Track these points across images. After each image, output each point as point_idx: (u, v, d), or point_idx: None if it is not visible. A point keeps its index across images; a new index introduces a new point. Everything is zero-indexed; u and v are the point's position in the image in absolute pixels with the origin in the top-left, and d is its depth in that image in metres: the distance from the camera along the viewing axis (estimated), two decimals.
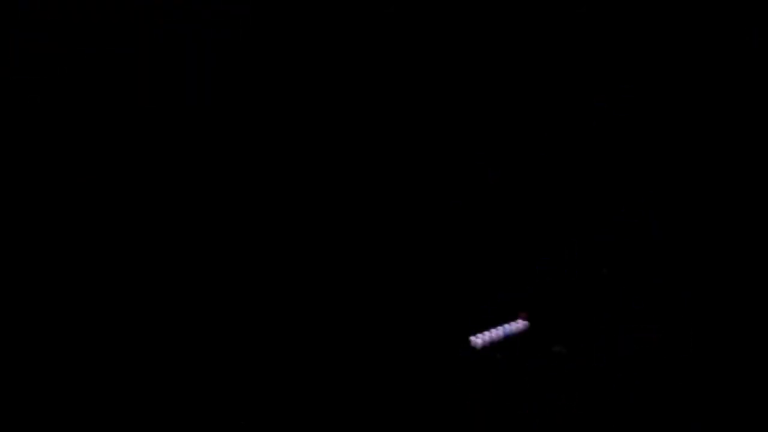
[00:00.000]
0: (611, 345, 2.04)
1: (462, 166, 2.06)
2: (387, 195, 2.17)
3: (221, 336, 2.17)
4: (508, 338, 2.07)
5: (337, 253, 2.22)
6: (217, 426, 1.99)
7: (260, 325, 2.17)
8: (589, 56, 2.22)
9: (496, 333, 2.05)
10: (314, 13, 2.46)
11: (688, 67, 2.25)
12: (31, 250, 2.26)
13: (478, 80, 2.18)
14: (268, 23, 2.62)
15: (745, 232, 2.07)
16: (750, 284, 2.05)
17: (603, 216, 2.10)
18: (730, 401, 1.98)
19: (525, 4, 2.24)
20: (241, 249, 2.31)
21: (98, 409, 2.05)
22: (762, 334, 2.02)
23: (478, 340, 2.04)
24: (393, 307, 2.12)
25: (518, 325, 2.04)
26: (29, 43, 2.56)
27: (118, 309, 2.24)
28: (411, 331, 2.09)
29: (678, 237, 2.07)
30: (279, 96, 2.47)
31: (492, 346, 2.08)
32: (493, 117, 2.13)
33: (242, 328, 2.17)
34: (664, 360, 2.02)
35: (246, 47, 2.66)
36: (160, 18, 2.75)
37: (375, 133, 2.23)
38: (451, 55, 2.23)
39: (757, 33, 2.26)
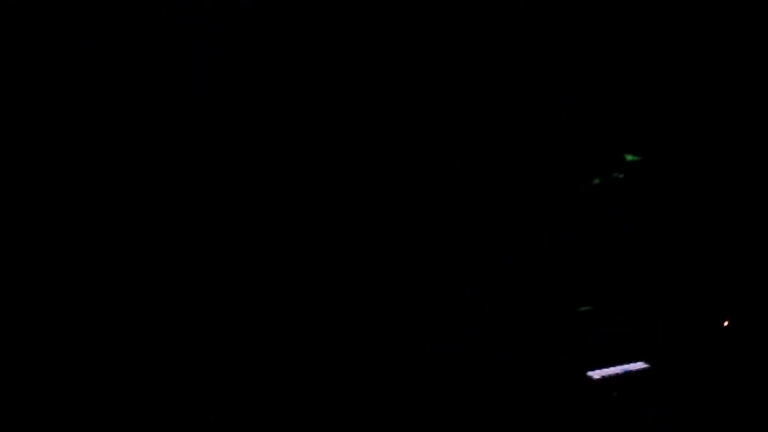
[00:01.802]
0: (580, 339, 2.04)
1: (430, 160, 2.07)
2: (364, 189, 2.18)
3: (216, 335, 2.20)
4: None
5: (310, 249, 2.24)
6: (216, 426, 2.04)
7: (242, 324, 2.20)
8: (559, 50, 2.21)
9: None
10: (316, 7, 2.48)
11: (671, 61, 2.22)
12: (20, 252, 2.31)
13: (447, 73, 2.18)
14: (270, 15, 2.64)
15: (715, 228, 2.05)
16: (718, 279, 2.03)
17: (572, 210, 2.09)
18: (698, 395, 1.97)
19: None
20: (241, 244, 2.34)
21: (97, 409, 2.10)
22: (731, 329, 2.01)
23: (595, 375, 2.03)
24: (357, 302, 2.14)
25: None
26: (31, 39, 2.61)
27: (113, 309, 2.28)
28: (376, 326, 2.11)
29: (647, 231, 2.06)
30: (282, 89, 2.49)
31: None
32: (462, 110, 2.13)
33: (235, 326, 2.20)
34: (632, 354, 2.02)
35: (249, 39, 2.68)
36: (162, 10, 2.79)
37: (368, 129, 2.25)
38: (436, 48, 2.23)
39: (760, 25, 2.22)
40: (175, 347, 2.18)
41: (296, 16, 2.59)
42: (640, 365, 2.03)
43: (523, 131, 2.13)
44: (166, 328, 2.21)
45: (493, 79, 2.19)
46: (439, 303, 2.13)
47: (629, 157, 2.09)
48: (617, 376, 2.03)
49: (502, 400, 2.00)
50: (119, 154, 2.50)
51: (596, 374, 2.04)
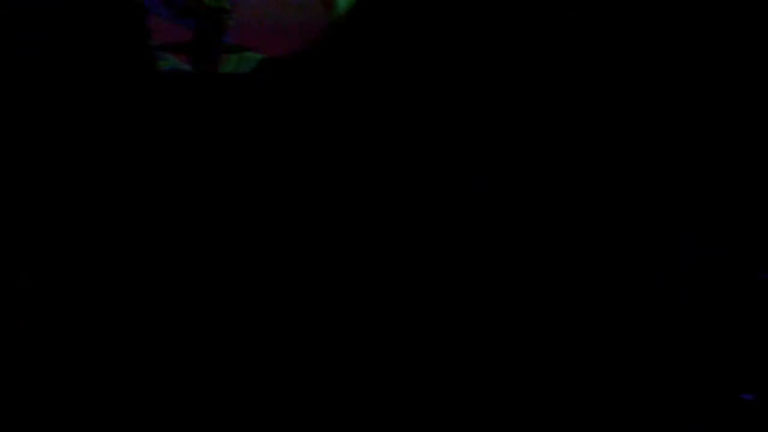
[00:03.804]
0: (607, 344, 2.04)
1: (444, 173, 2.07)
2: (366, 191, 2.18)
3: (216, 335, 2.20)
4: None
5: (319, 251, 2.24)
6: (216, 425, 2.04)
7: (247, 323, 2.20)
8: (575, 56, 2.21)
9: None
10: (316, 7, 2.48)
11: (681, 63, 2.22)
12: (19, 251, 2.31)
13: (460, 81, 2.18)
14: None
15: (736, 233, 2.06)
16: (718, 279, 2.04)
17: (607, 221, 2.09)
18: (719, 399, 1.97)
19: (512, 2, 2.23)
20: (242, 243, 2.33)
21: (96, 408, 2.10)
22: (749, 333, 2.01)
23: None
24: (358, 304, 2.14)
25: None
26: (34, 40, 2.61)
27: (112, 308, 2.28)
28: (392, 330, 2.11)
29: (647, 231, 2.06)
30: (286, 92, 2.48)
31: None
32: (476, 121, 2.13)
33: (236, 326, 2.20)
34: (660, 359, 2.01)
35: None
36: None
37: (369, 134, 2.24)
38: (439, 48, 2.23)
39: (760, 25, 2.22)
40: (175, 347, 2.18)
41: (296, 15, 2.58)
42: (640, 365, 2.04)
43: (536, 142, 2.12)
44: (166, 327, 2.21)
45: (504, 86, 2.18)
46: (455, 313, 2.12)
47: (653, 163, 2.09)
48: (615, 373, 2.03)
49: (503, 400, 2.00)
50: (119, 153, 2.49)
51: (595, 374, 2.05)
